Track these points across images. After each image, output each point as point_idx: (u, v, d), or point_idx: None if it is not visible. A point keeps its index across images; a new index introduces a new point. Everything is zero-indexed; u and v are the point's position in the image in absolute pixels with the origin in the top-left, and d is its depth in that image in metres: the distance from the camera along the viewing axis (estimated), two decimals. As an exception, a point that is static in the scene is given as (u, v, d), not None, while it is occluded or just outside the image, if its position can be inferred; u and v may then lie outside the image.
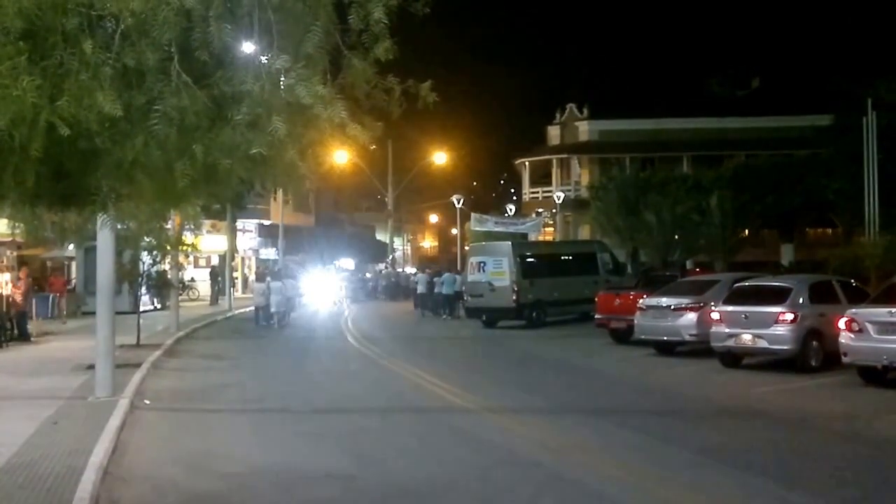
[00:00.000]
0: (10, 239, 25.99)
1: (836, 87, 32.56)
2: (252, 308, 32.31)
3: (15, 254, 32.43)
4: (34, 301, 25.94)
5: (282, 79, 5.50)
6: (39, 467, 8.83)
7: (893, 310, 13.75)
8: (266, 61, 5.48)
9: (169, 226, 20.45)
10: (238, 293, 45.66)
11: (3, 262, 27.09)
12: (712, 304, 17.69)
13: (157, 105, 5.24)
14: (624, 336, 21.47)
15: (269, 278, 31.34)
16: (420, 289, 36.43)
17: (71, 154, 5.72)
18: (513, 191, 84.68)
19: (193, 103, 5.25)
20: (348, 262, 63.12)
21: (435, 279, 35.39)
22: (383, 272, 55.79)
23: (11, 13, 4.80)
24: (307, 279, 41.53)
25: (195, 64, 5.29)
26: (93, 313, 16.42)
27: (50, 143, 5.19)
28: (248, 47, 5.52)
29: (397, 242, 74.02)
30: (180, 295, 29.22)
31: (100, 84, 4.97)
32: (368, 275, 57.43)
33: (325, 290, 42.64)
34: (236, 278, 48.43)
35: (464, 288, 32.96)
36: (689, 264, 39.99)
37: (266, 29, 5.35)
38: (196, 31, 5.13)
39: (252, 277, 51.50)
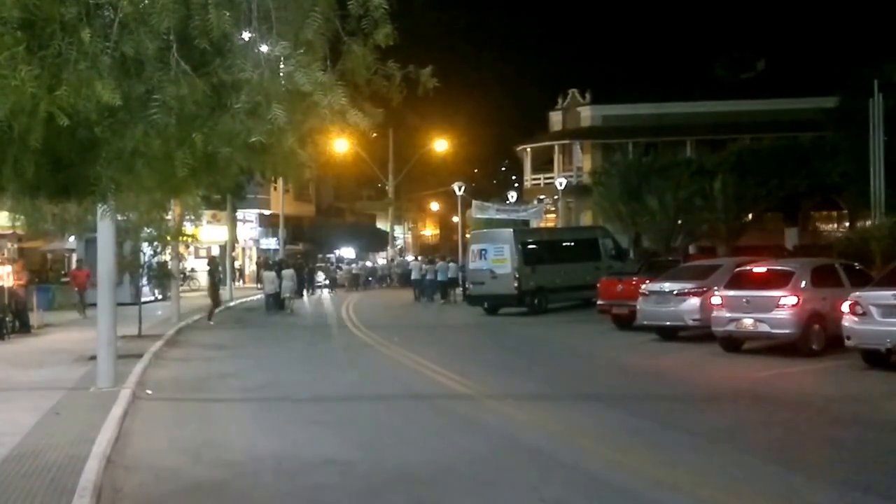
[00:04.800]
0: (10, 231, 26.05)
1: (842, 70, 32.43)
2: (258, 298, 32.85)
3: (16, 246, 32.43)
4: (35, 293, 25.91)
5: (281, 66, 5.47)
6: (43, 457, 8.85)
7: (897, 293, 13.73)
8: (265, 49, 5.45)
9: (169, 216, 20.49)
10: (238, 283, 45.77)
11: (3, 254, 27.07)
12: (715, 288, 17.66)
13: (156, 94, 5.23)
14: (626, 322, 21.46)
15: (277, 267, 32.38)
16: (414, 275, 38.94)
17: (70, 144, 5.71)
18: (514, 177, 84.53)
19: (193, 92, 5.23)
20: (349, 251, 63.24)
21: (426, 266, 38.23)
22: (396, 261, 56.09)
23: (9, 3, 4.78)
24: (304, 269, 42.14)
25: (194, 52, 5.27)
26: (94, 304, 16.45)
27: (49, 134, 5.18)
28: (246, 35, 5.49)
29: (398, 231, 74.02)
30: (181, 285, 29.25)
31: (98, 73, 4.95)
32: (376, 263, 57.84)
33: (314, 279, 44.02)
34: (238, 268, 48.53)
35: (459, 274, 35.76)
36: (692, 249, 39.95)
37: (265, 16, 5.33)
38: (195, 19, 5.10)
39: (252, 267, 51.72)
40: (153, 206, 11.82)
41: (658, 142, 50.21)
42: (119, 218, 13.21)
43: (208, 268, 32.26)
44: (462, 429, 10.42)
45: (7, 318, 21.26)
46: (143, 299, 23.30)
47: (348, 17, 5.73)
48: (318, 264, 51.34)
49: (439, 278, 36.74)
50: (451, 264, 37.95)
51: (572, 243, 31.80)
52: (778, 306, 15.89)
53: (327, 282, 48.86)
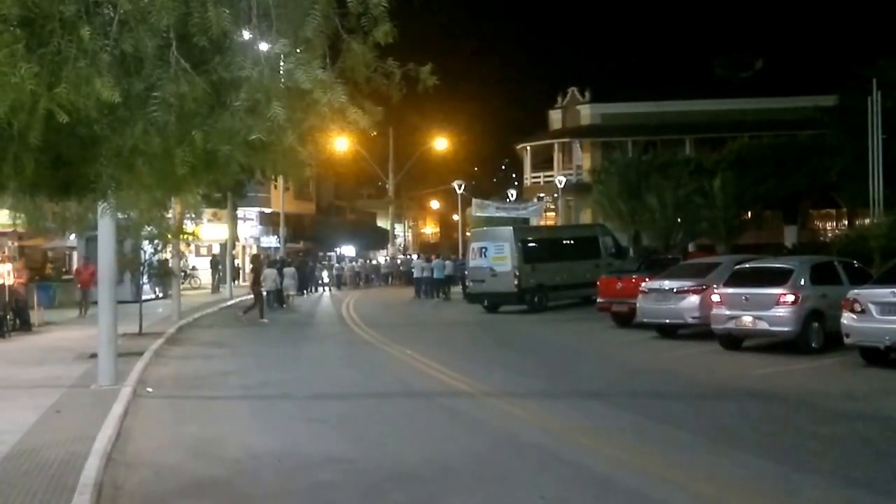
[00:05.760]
0: (11, 229, 26.04)
1: (841, 67, 32.43)
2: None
3: (16, 244, 32.43)
4: (36, 291, 25.92)
5: (281, 64, 5.47)
6: (43, 454, 8.86)
7: (896, 290, 13.74)
8: (265, 46, 5.45)
9: (170, 215, 20.48)
10: (239, 281, 45.74)
11: (4, 252, 27.06)
12: (714, 286, 17.67)
13: (155, 91, 5.22)
14: (626, 319, 21.50)
15: (278, 265, 32.89)
16: (416, 273, 39.83)
17: (70, 142, 5.71)
18: (514, 176, 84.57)
19: (192, 89, 5.23)
20: (349, 249, 63.32)
21: (425, 264, 39.22)
22: (402, 259, 56.29)
23: (9, 0, 4.78)
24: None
25: (194, 50, 5.26)
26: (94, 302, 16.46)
27: (49, 131, 5.18)
28: (246, 32, 5.49)
29: (398, 229, 74.06)
30: (182, 284, 29.30)
31: (98, 71, 4.95)
32: (378, 261, 58.02)
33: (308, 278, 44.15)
34: (239, 267, 48.51)
35: (455, 272, 37.29)
36: (691, 247, 39.99)
37: (264, 13, 5.33)
38: (194, 17, 5.09)
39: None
40: (153, 204, 11.76)
41: (657, 140, 50.26)
42: (119, 216, 13.19)
43: (251, 265, 32.73)
44: (462, 426, 10.44)
45: (8, 316, 21.26)
46: (143, 297, 23.31)
47: (348, 14, 5.72)
48: (322, 262, 51.46)
49: (436, 276, 37.59)
50: (448, 262, 38.85)
51: (572, 241, 31.80)
52: (777, 304, 15.90)
53: (327, 280, 48.96)
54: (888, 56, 29.46)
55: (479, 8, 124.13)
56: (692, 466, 8.22)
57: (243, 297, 36.63)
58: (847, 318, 14.25)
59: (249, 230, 53.33)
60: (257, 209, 52.51)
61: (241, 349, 19.54)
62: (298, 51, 5.45)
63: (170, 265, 24.50)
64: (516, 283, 27.64)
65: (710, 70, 57.21)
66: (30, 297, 23.75)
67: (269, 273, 32.38)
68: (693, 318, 18.43)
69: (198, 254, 45.64)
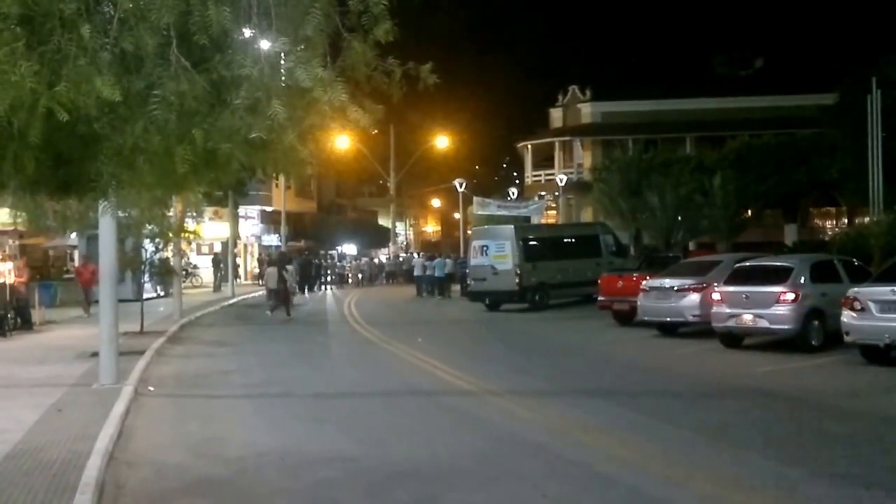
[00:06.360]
0: (12, 228, 26.07)
1: (841, 66, 32.41)
2: (259, 294, 32.95)
3: (17, 243, 32.44)
4: (37, 290, 25.91)
5: (281, 62, 5.48)
6: (45, 453, 8.86)
7: (896, 288, 13.75)
8: (265, 45, 5.46)
9: (171, 213, 20.49)
10: (241, 279, 45.78)
11: (5, 251, 27.07)
12: (715, 284, 17.68)
13: (156, 90, 5.22)
14: (627, 318, 21.51)
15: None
16: (417, 272, 40.05)
17: (70, 140, 5.71)
18: (515, 174, 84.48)
19: (192, 88, 5.23)
20: (350, 248, 63.36)
21: (426, 263, 39.27)
22: (403, 257, 56.34)
23: (9, -1, 4.79)
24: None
25: (194, 48, 5.27)
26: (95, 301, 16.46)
27: (49, 130, 5.18)
28: (246, 31, 5.49)
29: (400, 227, 74.06)
30: (183, 282, 29.30)
31: (98, 69, 4.95)
32: (381, 259, 58.09)
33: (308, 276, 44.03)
34: (239, 265, 48.51)
35: (455, 271, 37.49)
36: (692, 245, 40.00)
37: (265, 12, 5.33)
38: (194, 15, 5.10)
39: (254, 264, 51.79)
40: (154, 202, 11.83)
41: (658, 138, 50.24)
42: (120, 214, 13.21)
43: (274, 261, 32.62)
44: (464, 425, 10.44)
45: (9, 315, 21.27)
46: (144, 296, 23.31)
47: (348, 13, 5.73)
48: (326, 261, 51.41)
49: (437, 274, 37.76)
50: (448, 260, 39.07)
51: (573, 239, 31.79)
52: (777, 302, 15.91)
53: (330, 279, 48.97)
54: (888, 55, 29.42)
55: (480, 6, 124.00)
56: (693, 464, 8.22)
57: (244, 296, 36.73)
58: (847, 317, 14.26)
59: (251, 228, 53.33)
60: (258, 207, 52.51)
61: (243, 348, 19.54)
62: (299, 49, 5.45)
63: (171, 264, 24.51)
64: (517, 281, 27.66)
65: (710, 68, 57.21)
66: (31, 295, 23.74)
67: (270, 272, 32.40)
68: (694, 316, 18.44)
69: (199, 252, 45.60)
